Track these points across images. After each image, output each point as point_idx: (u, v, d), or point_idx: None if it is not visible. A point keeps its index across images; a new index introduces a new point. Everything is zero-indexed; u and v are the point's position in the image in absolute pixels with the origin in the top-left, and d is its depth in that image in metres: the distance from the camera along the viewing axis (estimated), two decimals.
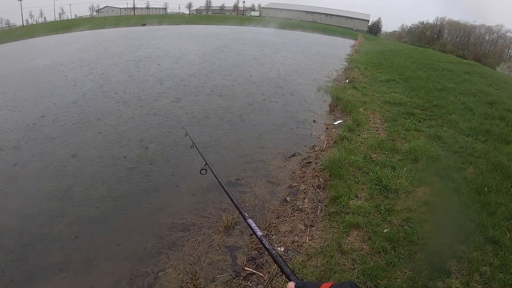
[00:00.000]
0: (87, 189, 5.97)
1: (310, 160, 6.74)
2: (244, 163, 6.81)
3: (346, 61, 20.55)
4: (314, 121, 9.10)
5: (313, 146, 7.54)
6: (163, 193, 5.88)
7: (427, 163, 6.00)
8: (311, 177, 6.04)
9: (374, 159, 6.25)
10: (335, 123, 8.61)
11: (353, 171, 5.79)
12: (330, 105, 10.28)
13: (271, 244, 1.22)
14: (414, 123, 8.15)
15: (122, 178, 6.29)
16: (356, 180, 5.53)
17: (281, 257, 1.18)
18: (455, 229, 4.37)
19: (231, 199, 1.94)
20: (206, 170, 3.10)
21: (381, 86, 12.46)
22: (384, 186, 5.24)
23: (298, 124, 8.97)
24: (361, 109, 9.03)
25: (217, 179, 2.62)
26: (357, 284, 0.95)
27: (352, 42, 38.35)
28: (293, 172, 6.40)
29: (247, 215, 1.62)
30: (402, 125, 7.97)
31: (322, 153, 7.01)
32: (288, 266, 1.13)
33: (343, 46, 31.82)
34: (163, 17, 71.45)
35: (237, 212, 5.17)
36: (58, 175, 6.43)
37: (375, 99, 10.46)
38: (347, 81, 13.52)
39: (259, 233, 1.38)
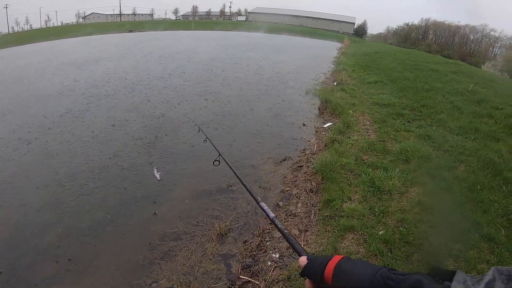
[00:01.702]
0: (76, 198, 5.84)
1: (302, 164, 6.69)
2: (235, 168, 6.71)
3: (333, 64, 20.64)
4: (304, 125, 9.05)
5: (303, 149, 7.49)
6: (153, 201, 5.77)
7: (418, 163, 5.99)
8: (303, 181, 5.99)
9: (365, 160, 6.22)
10: (325, 126, 8.59)
11: (345, 174, 5.75)
12: (319, 108, 10.26)
13: (282, 224, 1.28)
14: (403, 124, 8.16)
15: (111, 188, 6.17)
16: (349, 182, 5.50)
17: (292, 236, 1.21)
18: (450, 228, 4.35)
19: (244, 184, 1.96)
20: (219, 161, 2.98)
21: (369, 87, 12.52)
22: (377, 187, 5.21)
23: (287, 128, 8.92)
24: (350, 111, 9.04)
25: (230, 168, 2.54)
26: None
27: (338, 45, 38.58)
28: (284, 177, 6.34)
29: (259, 199, 1.63)
30: (391, 126, 7.98)
31: (313, 156, 6.96)
32: (299, 244, 1.14)
33: (330, 49, 32.01)
34: (157, 24, 71.05)
35: (230, 219, 5.27)
36: (47, 184, 6.31)
37: (364, 100, 10.47)
38: (335, 83, 13.55)
39: (272, 214, 1.42)
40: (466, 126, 7.84)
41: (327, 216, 4.74)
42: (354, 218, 4.56)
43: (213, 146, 3.45)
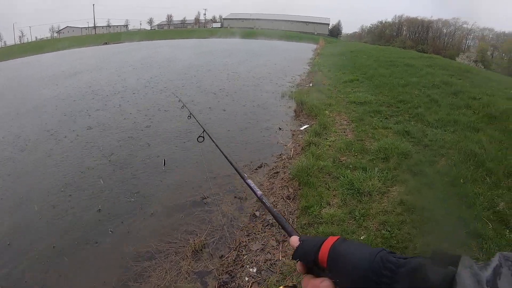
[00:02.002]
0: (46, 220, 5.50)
1: (278, 170, 6.42)
2: (210, 179, 6.44)
3: (309, 65, 20.45)
4: (280, 129, 8.78)
5: (280, 154, 7.20)
6: (125, 221, 5.43)
7: (398, 161, 5.78)
8: (280, 187, 5.71)
9: (343, 162, 5.98)
10: (301, 128, 8.34)
11: (323, 177, 5.49)
12: (295, 111, 10.01)
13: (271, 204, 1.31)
14: (381, 121, 7.98)
15: (84, 208, 5.83)
16: (327, 186, 5.24)
17: (282, 215, 1.14)
18: (435, 227, 4.12)
19: (229, 161, 1.90)
20: (203, 137, 2.99)
21: (345, 86, 12.35)
22: (356, 189, 4.96)
23: (263, 133, 8.64)
24: (326, 112, 8.82)
25: (215, 144, 2.46)
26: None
27: (314, 46, 38.53)
28: (261, 185, 6.04)
29: (246, 175, 1.55)
30: (369, 124, 7.78)
31: (290, 161, 6.68)
32: (289, 224, 1.07)
33: (305, 51, 31.87)
34: (132, 35, 70.11)
35: (205, 233, 4.97)
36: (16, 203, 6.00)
37: (340, 100, 10.27)
38: (311, 84, 13.34)
39: (259, 192, 1.32)
40: (445, 118, 7.70)
41: (305, 224, 4.48)
42: (333, 224, 4.31)
43: (198, 122, 3.42)
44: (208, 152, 7.46)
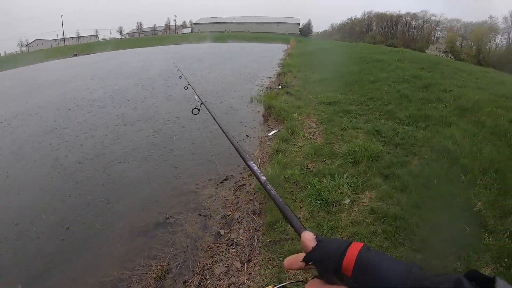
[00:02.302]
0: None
1: (244, 182, 6.02)
2: (174, 197, 6.04)
3: (279, 66, 20.10)
4: (247, 136, 8.39)
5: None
6: (86, 249, 5.08)
7: (368, 164, 5.47)
8: (246, 201, 5.31)
9: (311, 169, 5.62)
10: (269, 134, 7.97)
11: (289, 188, 5.12)
12: (263, 115, 9.63)
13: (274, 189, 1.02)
14: (351, 121, 7.69)
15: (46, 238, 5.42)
16: (294, 197, 4.87)
17: (288, 206, 0.92)
18: (409, 237, 3.80)
19: (230, 140, 1.65)
20: (198, 109, 2.89)
21: (315, 86, 12.04)
22: (324, 200, 4.60)
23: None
24: (295, 115, 8.47)
25: (212, 117, 2.24)
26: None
27: (284, 46, 38.31)
28: (226, 199, 5.66)
29: (248, 157, 1.33)
30: (338, 125, 7.47)
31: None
32: (297, 218, 0.87)
33: (276, 52, 31.48)
34: (103, 45, 68.61)
35: (168, 257, 4.58)
36: None
37: (310, 101, 9.94)
38: (280, 87, 12.98)
39: (263, 178, 1.09)
40: (416, 114, 7.46)
41: (270, 241, 4.13)
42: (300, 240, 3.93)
43: (195, 92, 3.43)
44: (171, 169, 7.10)
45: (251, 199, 5.27)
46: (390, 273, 0.60)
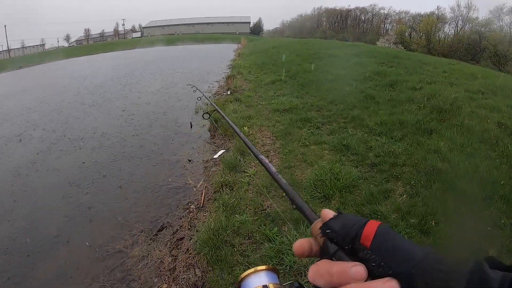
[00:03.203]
0: None
1: (183, 235, 4.48)
2: (96, 262, 4.42)
3: (229, 68, 18.62)
4: (190, 161, 6.84)
5: (187, 204, 5.24)
6: None
7: (342, 199, 4.14)
8: (185, 267, 3.80)
9: (268, 210, 4.22)
10: (216, 156, 6.52)
11: (240, 245, 3.66)
12: (209, 130, 8.20)
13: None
14: (311, 133, 6.39)
15: None
16: (246, 260, 3.45)
17: (301, 197, 0.83)
18: None
19: (238, 134, 1.60)
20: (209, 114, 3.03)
21: (267, 90, 10.68)
22: (287, 265, 3.23)
23: (168, 170, 6.58)
24: (245, 128, 7.08)
25: (222, 115, 2.22)
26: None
27: (235, 46, 36.99)
28: (161, 262, 4.11)
29: (258, 151, 1.26)
30: (298, 139, 6.12)
31: (200, 214, 4.78)
32: (309, 206, 0.78)
33: (226, 52, 29.96)
34: (49, 54, 63.80)
35: None
36: None
37: (262, 109, 8.54)
38: (228, 92, 11.55)
39: (273, 169, 1.03)
40: (388, 120, 6.28)
41: None
42: None
43: (207, 98, 4.32)
44: (94, 214, 5.51)
45: (191, 265, 3.79)
46: (408, 249, 0.52)
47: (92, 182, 6.53)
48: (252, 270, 0.71)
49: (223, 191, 4.80)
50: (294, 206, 0.81)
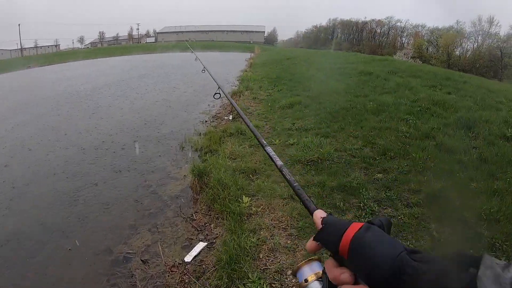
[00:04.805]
0: None
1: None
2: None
3: (238, 80, 15.53)
4: (143, 262, 3.69)
5: None
6: None
7: None
8: None
9: None
10: (189, 257, 3.53)
11: None
12: (191, 188, 5.18)
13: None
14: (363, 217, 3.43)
15: None
16: None
17: (302, 189, 0.98)
18: None
19: (248, 125, 1.72)
20: (219, 94, 3.10)
21: (283, 117, 7.74)
22: None
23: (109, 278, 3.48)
24: (246, 200, 4.12)
25: (230, 101, 2.42)
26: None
27: (248, 55, 34.21)
28: None
29: (265, 142, 1.40)
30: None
31: None
32: (310, 199, 0.94)
33: (238, 62, 26.72)
34: (65, 55, 61.40)
35: None
36: None
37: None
38: (230, 117, 8.61)
39: (279, 162, 1.18)
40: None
41: None
42: None
43: (212, 78, 3.92)
44: None
45: None
46: (377, 257, 0.62)
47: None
48: (305, 261, 0.81)
49: None
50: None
